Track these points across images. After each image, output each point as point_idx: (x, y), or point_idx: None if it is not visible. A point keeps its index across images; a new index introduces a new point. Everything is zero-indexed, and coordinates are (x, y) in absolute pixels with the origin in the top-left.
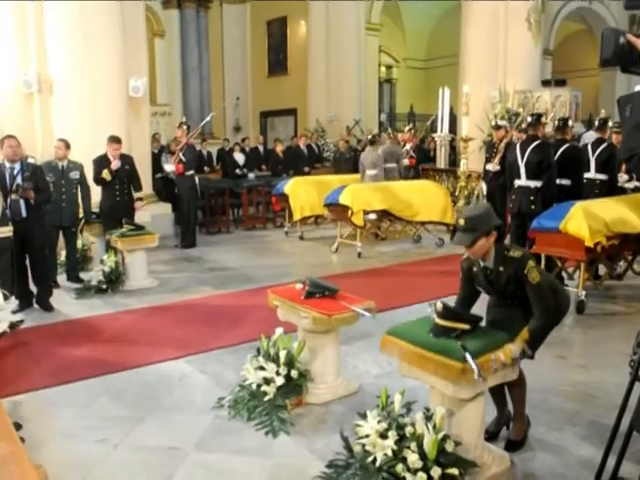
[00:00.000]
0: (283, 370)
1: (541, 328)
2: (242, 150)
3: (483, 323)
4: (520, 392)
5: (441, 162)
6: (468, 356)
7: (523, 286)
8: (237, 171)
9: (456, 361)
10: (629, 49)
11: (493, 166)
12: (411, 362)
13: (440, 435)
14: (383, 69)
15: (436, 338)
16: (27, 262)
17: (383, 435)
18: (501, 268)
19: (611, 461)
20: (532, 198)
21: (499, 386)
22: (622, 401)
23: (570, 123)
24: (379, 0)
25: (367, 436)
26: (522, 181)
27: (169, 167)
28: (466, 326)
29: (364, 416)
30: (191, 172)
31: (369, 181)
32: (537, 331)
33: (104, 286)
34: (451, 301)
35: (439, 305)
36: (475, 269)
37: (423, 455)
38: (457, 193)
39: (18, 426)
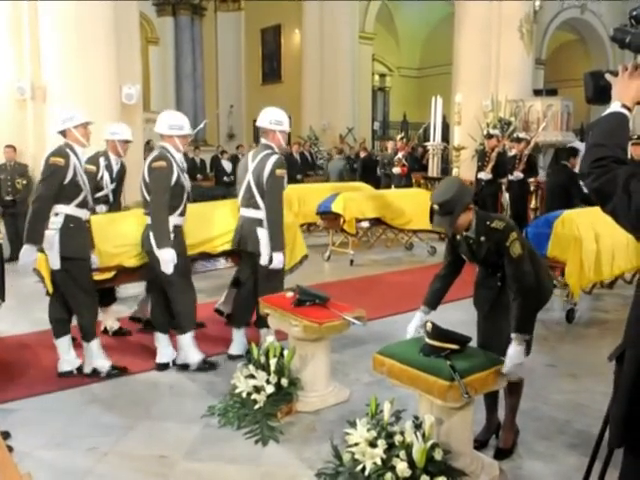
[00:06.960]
0: (273, 378)
1: (523, 310)
2: (231, 158)
3: (470, 326)
4: (516, 401)
5: (433, 171)
6: (456, 375)
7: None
8: (225, 178)
9: (444, 379)
10: (610, 87)
11: (485, 174)
12: (401, 380)
13: (429, 443)
14: (377, 77)
15: (426, 357)
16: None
17: (372, 443)
18: (482, 238)
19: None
20: None
21: (493, 391)
22: (607, 410)
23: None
24: (375, 0)
25: (356, 444)
26: None
27: None
28: (455, 346)
29: (354, 424)
30: None
31: None
32: (520, 315)
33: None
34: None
35: (429, 325)
36: (458, 237)
37: (412, 463)
38: None
39: (6, 434)
